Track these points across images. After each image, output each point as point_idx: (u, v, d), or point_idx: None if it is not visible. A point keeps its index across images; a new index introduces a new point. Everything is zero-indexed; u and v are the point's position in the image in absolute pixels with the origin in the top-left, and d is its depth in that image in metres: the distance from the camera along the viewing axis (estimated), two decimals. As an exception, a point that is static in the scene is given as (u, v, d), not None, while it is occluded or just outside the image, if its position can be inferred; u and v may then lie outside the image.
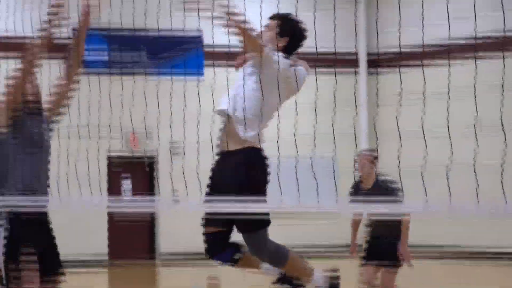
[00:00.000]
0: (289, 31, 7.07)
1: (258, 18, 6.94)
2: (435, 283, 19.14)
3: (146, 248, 25.21)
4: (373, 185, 11.13)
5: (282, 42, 7.03)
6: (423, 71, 21.95)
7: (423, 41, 21.36)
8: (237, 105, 7.00)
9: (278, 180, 6.65)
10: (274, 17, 7.21)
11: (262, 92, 6.89)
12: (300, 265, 7.29)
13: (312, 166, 6.47)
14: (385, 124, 25.20)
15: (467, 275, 20.72)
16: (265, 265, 7.36)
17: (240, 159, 6.98)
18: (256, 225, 6.98)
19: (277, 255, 7.13)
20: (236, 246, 7.30)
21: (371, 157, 11.31)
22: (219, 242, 7.26)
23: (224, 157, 7.15)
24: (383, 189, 10.97)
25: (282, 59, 6.93)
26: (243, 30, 6.74)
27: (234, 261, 7.33)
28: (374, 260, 11.24)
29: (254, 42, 6.79)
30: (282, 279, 7.48)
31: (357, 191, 11.27)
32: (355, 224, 11.66)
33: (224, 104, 7.13)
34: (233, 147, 7.04)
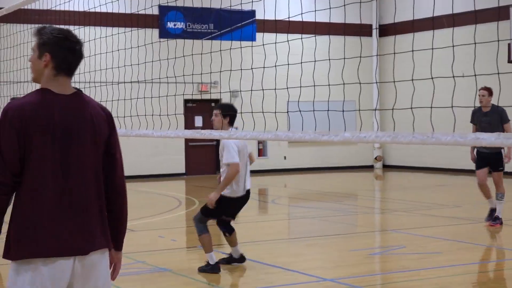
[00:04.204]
0: (228, 112, 8.74)
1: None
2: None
3: (213, 165, 25.32)
4: (490, 110, 12.28)
5: (227, 120, 8.70)
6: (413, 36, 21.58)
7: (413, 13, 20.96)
8: None
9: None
10: (217, 107, 8.88)
11: None
12: (206, 244, 8.91)
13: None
14: (389, 76, 24.99)
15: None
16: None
17: None
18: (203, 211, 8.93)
19: (197, 228, 8.94)
20: (229, 228, 9.25)
21: (489, 90, 12.33)
22: (220, 221, 9.23)
23: None
24: (497, 112, 12.23)
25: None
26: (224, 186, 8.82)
27: (223, 234, 9.35)
28: (484, 166, 12.51)
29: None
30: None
31: (478, 112, 12.48)
32: None
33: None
34: None
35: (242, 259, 9.34)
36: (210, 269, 8.94)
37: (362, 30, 24.77)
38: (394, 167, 27.26)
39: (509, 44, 18.47)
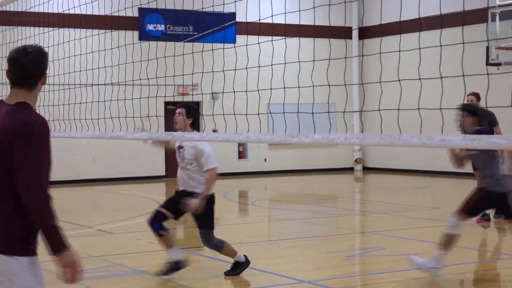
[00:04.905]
0: (192, 113, 8.56)
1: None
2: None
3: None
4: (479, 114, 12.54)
5: (190, 121, 8.49)
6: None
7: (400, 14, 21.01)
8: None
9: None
10: (181, 106, 8.62)
11: None
12: (229, 250, 8.76)
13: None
14: (371, 78, 25.09)
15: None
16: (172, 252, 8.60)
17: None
18: (209, 226, 8.59)
19: (218, 245, 8.66)
20: (163, 227, 8.50)
21: (477, 95, 12.60)
22: (158, 218, 8.52)
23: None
24: (486, 116, 12.26)
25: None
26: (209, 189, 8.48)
27: (157, 233, 8.51)
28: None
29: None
30: (233, 265, 8.89)
31: None
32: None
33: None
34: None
35: (185, 263, 8.76)
36: (244, 266, 8.89)
37: (333, 32, 24.84)
38: (375, 169, 27.34)
39: (487, 47, 18.58)
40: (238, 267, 8.92)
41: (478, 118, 8.73)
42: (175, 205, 8.61)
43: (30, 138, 3.96)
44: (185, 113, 8.56)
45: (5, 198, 3.99)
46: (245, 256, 9.00)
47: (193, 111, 8.63)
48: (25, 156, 3.94)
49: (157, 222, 8.52)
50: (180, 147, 8.71)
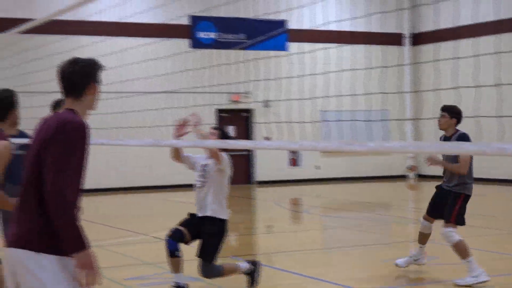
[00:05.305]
0: (222, 135, 8.52)
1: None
2: None
3: (245, 175, 25.30)
4: None
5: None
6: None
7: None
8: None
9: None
10: (216, 128, 8.80)
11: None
12: (231, 269, 8.36)
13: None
14: (424, 86, 24.87)
15: None
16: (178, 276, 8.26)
17: None
18: (211, 259, 8.14)
19: (218, 274, 8.23)
20: (178, 248, 8.17)
21: None
22: (178, 237, 8.19)
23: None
24: None
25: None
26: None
27: (171, 253, 8.18)
28: None
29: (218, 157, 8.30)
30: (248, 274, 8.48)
31: None
32: None
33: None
34: None
35: None
36: (255, 272, 8.53)
37: (388, 39, 24.69)
38: (429, 177, 27.03)
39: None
40: (251, 276, 8.55)
41: (457, 120, 8.76)
42: (192, 228, 8.37)
43: (63, 138, 4.04)
44: (217, 137, 8.53)
45: (35, 196, 4.07)
46: (246, 261, 8.63)
47: (225, 135, 8.76)
48: (54, 154, 4.02)
49: (175, 241, 8.24)
50: (205, 164, 8.60)
